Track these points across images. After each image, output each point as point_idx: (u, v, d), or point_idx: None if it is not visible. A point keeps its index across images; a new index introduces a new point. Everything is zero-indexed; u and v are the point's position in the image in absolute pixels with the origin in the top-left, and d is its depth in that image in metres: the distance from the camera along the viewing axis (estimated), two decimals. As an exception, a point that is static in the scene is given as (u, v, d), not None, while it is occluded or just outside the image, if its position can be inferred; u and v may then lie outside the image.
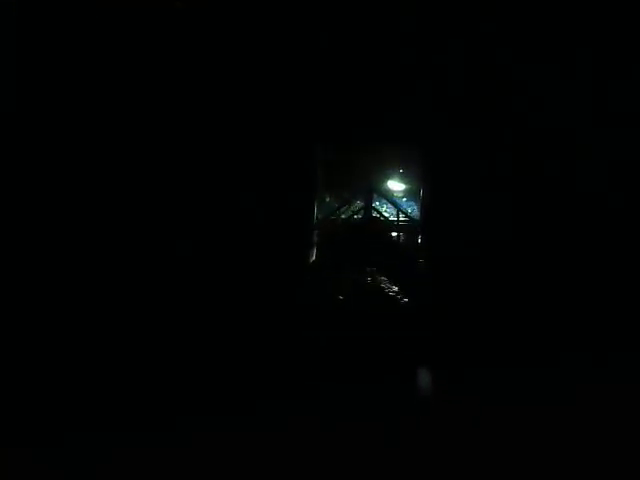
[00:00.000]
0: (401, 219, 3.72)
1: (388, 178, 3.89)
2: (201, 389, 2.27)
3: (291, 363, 2.45)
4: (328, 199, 3.63)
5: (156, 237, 2.69)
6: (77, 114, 2.69)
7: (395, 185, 3.91)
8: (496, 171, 2.76)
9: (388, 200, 3.89)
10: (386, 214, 3.95)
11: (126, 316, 2.54)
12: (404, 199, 3.89)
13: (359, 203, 3.82)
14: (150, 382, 2.32)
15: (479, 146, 2.79)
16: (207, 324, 2.59)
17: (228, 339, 2.56)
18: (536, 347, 2.48)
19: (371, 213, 3.65)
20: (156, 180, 2.72)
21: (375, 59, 2.78)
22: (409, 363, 2.47)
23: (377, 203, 3.76)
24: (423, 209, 3.17)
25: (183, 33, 2.69)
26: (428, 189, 3.00)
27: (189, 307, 2.63)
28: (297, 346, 2.52)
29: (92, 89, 2.70)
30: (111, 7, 2.58)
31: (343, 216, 3.75)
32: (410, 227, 3.67)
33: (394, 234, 3.67)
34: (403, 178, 3.85)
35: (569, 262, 2.62)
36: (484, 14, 2.61)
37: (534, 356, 2.44)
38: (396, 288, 3.01)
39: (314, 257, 3.21)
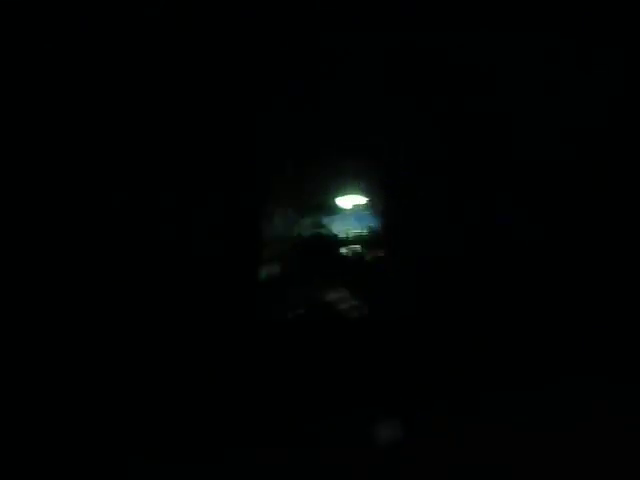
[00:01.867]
0: (354, 233, 3.72)
1: (344, 193, 3.86)
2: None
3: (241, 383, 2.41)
4: (281, 215, 3.61)
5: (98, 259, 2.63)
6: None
7: (351, 200, 3.89)
8: (452, 181, 2.78)
9: (343, 215, 3.85)
10: (341, 229, 3.94)
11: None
12: (359, 214, 3.87)
13: (314, 218, 3.79)
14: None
15: (435, 159, 2.82)
16: (152, 345, 2.54)
17: (175, 361, 2.51)
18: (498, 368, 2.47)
19: (326, 228, 3.64)
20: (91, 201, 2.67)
21: (317, 76, 2.79)
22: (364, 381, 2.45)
23: (332, 218, 3.77)
24: (379, 224, 3.18)
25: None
26: (384, 204, 3.01)
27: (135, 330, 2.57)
28: (248, 366, 2.50)
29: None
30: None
31: (298, 232, 3.73)
32: (366, 242, 3.68)
33: (348, 248, 3.67)
34: (359, 193, 3.82)
35: (531, 279, 2.66)
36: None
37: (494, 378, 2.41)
38: (349, 302, 3.02)
39: (266, 273, 3.21)
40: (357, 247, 3.75)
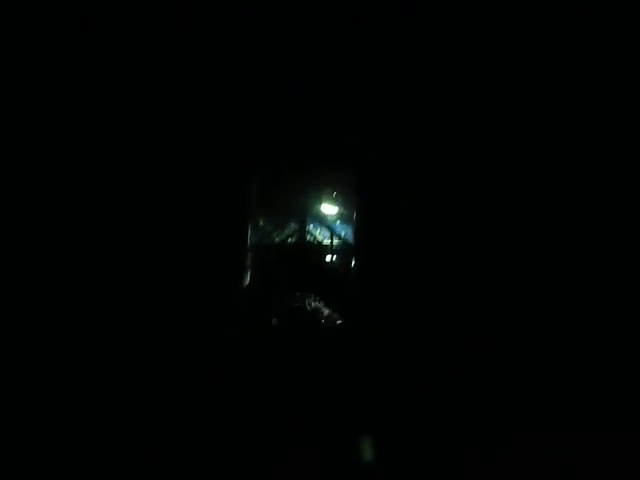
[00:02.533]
0: (335, 242, 3.79)
1: (322, 201, 3.91)
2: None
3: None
4: (261, 223, 3.65)
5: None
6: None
7: (329, 208, 3.92)
8: (433, 195, 2.84)
9: (322, 223, 3.91)
10: (320, 237, 4.00)
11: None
12: (338, 222, 3.92)
13: (293, 226, 3.85)
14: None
15: (415, 170, 2.86)
16: (131, 351, 2.55)
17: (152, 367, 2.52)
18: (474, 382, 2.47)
19: (305, 236, 3.68)
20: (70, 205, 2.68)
21: (303, 84, 2.83)
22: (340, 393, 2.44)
23: (311, 226, 3.81)
24: (357, 232, 3.23)
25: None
26: (361, 213, 3.06)
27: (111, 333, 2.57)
28: (228, 375, 2.50)
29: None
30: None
31: (277, 240, 3.79)
32: (344, 250, 3.74)
33: (328, 257, 3.73)
34: (337, 201, 3.87)
35: (506, 294, 2.71)
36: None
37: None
38: (329, 311, 3.06)
39: (247, 281, 3.25)
40: (340, 254, 3.81)
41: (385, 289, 2.80)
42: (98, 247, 2.65)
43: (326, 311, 3.04)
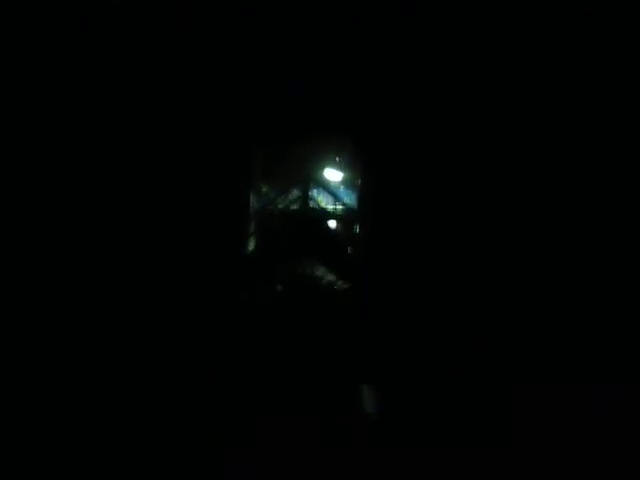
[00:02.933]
0: (339, 208, 3.72)
1: (325, 167, 3.86)
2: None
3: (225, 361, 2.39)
4: (264, 189, 3.62)
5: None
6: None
7: (332, 174, 3.87)
8: (434, 159, 2.82)
9: (325, 189, 3.86)
10: (323, 203, 3.96)
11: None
12: (341, 188, 3.87)
13: (296, 193, 3.80)
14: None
15: (418, 135, 2.84)
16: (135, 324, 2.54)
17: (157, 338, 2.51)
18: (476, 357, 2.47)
19: (308, 203, 3.64)
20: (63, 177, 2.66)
21: (303, 53, 2.80)
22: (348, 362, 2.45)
23: (314, 192, 3.78)
24: (360, 198, 3.21)
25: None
26: (365, 177, 3.05)
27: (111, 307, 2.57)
28: (232, 342, 2.50)
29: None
30: None
31: (280, 206, 3.75)
32: (348, 216, 3.69)
33: (332, 223, 3.68)
34: (340, 167, 3.83)
35: (517, 261, 2.68)
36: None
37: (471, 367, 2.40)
38: (333, 277, 3.04)
39: (251, 247, 3.23)
40: (344, 220, 3.77)
41: (389, 255, 2.79)
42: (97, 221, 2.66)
43: (330, 277, 3.02)
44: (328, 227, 3.65)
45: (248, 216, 3.05)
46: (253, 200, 3.14)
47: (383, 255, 2.78)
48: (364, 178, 3.02)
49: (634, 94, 2.74)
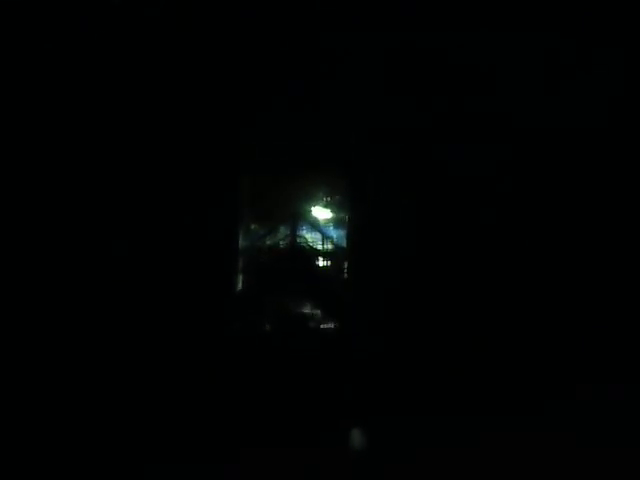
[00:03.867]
0: (327, 246, 3.77)
1: (314, 205, 3.90)
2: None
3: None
4: (253, 226, 3.64)
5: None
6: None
7: (321, 212, 3.91)
8: (430, 197, 2.86)
9: (314, 227, 3.89)
10: (312, 241, 3.99)
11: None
12: (330, 226, 3.90)
13: (284, 230, 3.83)
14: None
15: (405, 172, 2.89)
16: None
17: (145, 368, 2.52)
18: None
19: (297, 240, 3.68)
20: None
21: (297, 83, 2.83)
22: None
23: (303, 230, 3.80)
24: (349, 236, 3.25)
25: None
26: (354, 216, 3.08)
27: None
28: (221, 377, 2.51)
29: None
30: None
31: (268, 243, 3.77)
32: (336, 254, 3.73)
33: (320, 261, 3.72)
34: (329, 205, 3.86)
35: (504, 297, 2.73)
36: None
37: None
38: (322, 315, 3.07)
39: (239, 284, 3.25)
40: (331, 258, 3.81)
41: (379, 292, 2.80)
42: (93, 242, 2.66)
43: (320, 314, 3.04)
44: (316, 264, 3.68)
45: (236, 253, 3.06)
46: (241, 237, 3.15)
47: (371, 292, 2.79)
48: (352, 216, 3.04)
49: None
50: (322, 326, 3.00)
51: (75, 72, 2.73)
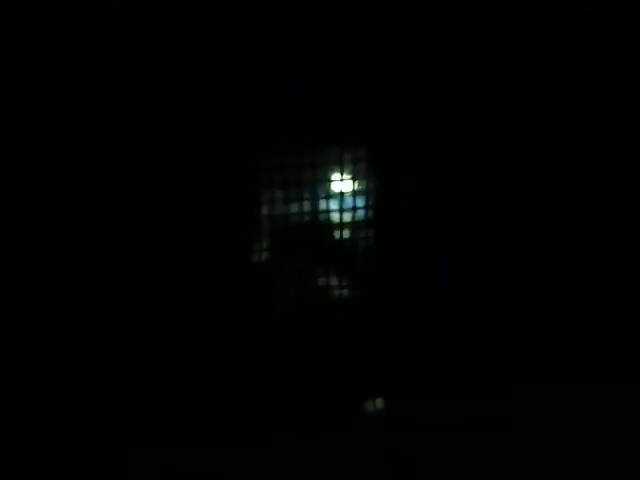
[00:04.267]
0: (349, 217, 3.77)
1: (335, 176, 3.89)
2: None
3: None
4: (273, 197, 3.66)
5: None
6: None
7: (342, 184, 3.92)
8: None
9: (336, 198, 3.89)
10: (333, 213, 4.01)
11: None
12: (351, 198, 3.91)
13: (306, 201, 3.85)
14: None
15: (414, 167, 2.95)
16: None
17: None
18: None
19: (318, 211, 3.70)
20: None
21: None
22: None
23: (324, 201, 3.83)
24: (371, 207, 3.26)
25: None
26: (376, 186, 3.08)
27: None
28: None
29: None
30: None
31: (290, 215, 3.78)
32: (359, 225, 3.73)
33: (342, 232, 3.71)
34: (350, 176, 3.86)
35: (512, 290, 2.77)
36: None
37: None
38: (345, 288, 3.11)
39: (261, 255, 3.28)
40: (354, 231, 3.76)
41: (402, 266, 2.79)
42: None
43: (342, 288, 3.04)
44: (337, 235, 3.66)
45: (257, 225, 3.05)
46: (262, 209, 3.15)
47: (395, 266, 2.79)
48: (374, 187, 3.04)
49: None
50: (343, 299, 2.98)
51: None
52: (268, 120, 2.97)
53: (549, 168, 2.70)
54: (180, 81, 2.81)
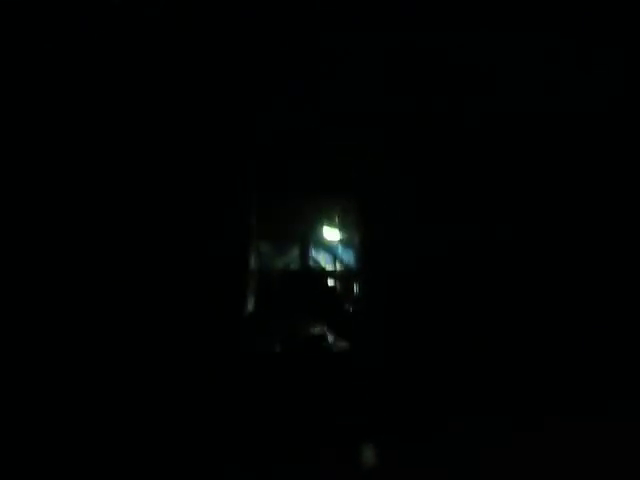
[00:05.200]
0: (337, 267, 3.76)
1: (324, 226, 3.88)
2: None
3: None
4: (264, 248, 3.62)
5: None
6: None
7: (331, 233, 3.89)
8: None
9: (324, 248, 3.88)
10: (323, 262, 3.98)
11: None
12: (340, 247, 3.89)
13: (295, 252, 3.82)
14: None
15: (414, 193, 2.89)
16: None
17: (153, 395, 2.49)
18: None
19: (308, 262, 3.66)
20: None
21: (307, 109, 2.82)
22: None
23: (313, 252, 3.78)
24: (359, 257, 3.24)
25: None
26: (363, 237, 3.07)
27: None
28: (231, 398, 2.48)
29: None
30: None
31: (279, 265, 3.75)
32: (347, 275, 3.71)
33: (331, 282, 3.69)
34: (339, 227, 3.84)
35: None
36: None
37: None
38: (333, 336, 3.06)
39: (249, 307, 3.23)
40: (342, 279, 3.76)
41: (389, 313, 2.78)
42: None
43: (330, 336, 3.02)
44: (327, 285, 3.65)
45: (247, 275, 3.04)
46: (253, 259, 3.13)
47: (382, 313, 2.77)
48: (362, 237, 3.02)
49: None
50: (332, 348, 2.97)
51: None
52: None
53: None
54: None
